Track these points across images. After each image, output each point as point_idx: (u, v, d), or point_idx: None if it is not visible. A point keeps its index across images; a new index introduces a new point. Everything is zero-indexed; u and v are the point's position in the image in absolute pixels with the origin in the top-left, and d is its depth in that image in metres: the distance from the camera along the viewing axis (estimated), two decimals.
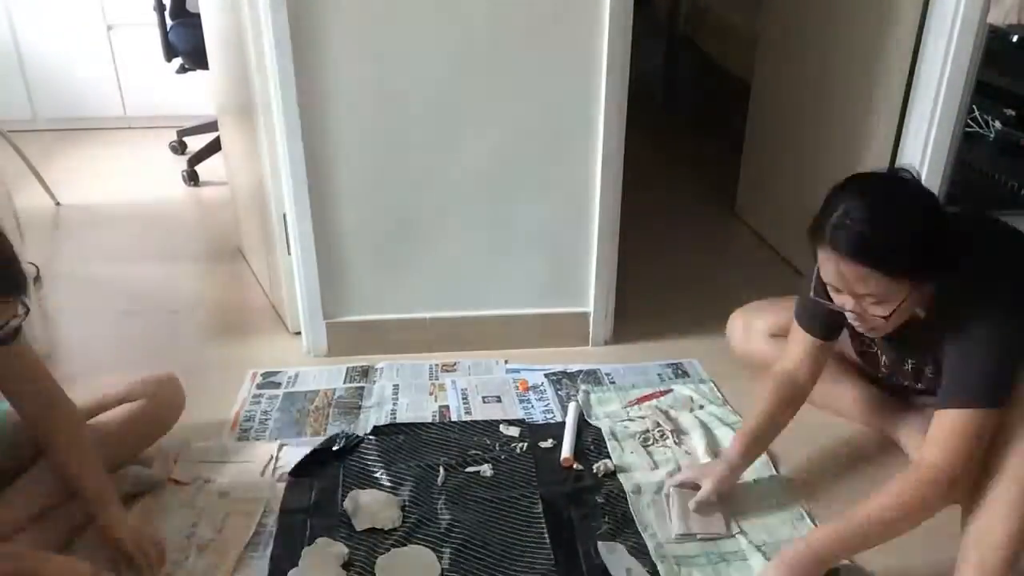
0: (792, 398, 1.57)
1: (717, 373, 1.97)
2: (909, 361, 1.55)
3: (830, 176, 2.33)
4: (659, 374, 1.97)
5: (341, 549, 1.39)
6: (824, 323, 1.53)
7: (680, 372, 1.98)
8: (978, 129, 2.05)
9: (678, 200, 3.09)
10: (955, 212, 1.37)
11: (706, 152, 3.57)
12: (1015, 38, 1.97)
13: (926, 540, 1.40)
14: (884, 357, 1.60)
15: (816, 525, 1.49)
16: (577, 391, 1.88)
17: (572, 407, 1.79)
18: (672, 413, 1.79)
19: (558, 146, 1.89)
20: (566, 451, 1.65)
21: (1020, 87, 1.99)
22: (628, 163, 1.94)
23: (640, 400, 1.84)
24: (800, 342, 1.58)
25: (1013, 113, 2.01)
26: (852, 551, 1.34)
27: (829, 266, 1.31)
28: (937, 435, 1.29)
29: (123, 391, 1.55)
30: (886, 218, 1.26)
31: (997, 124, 2.03)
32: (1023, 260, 1.36)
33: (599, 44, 1.78)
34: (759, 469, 1.61)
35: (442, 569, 1.36)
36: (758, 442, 1.56)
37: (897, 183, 1.33)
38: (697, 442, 1.69)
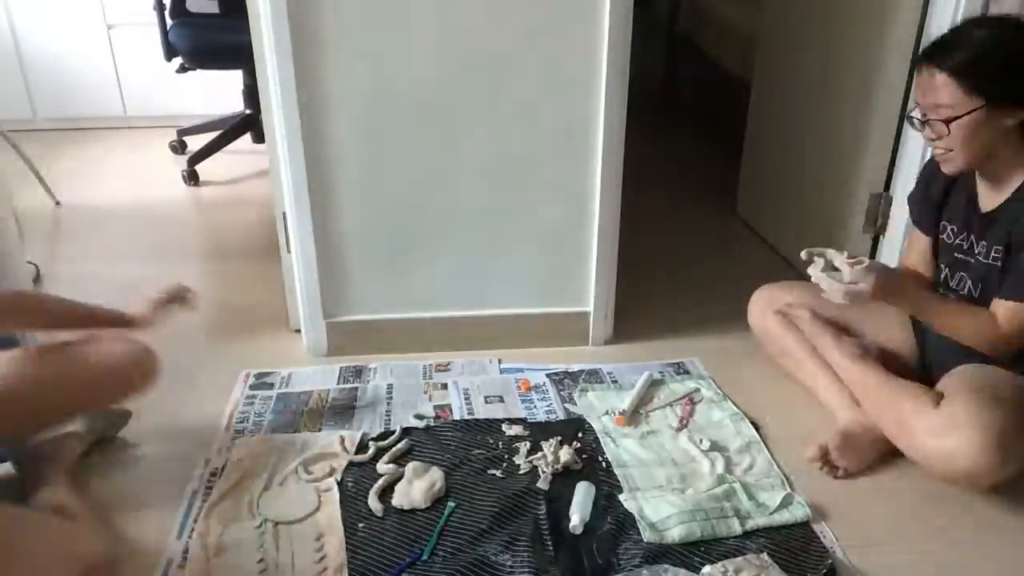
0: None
1: (718, 371, 1.97)
2: (981, 246, 1.59)
3: (830, 176, 2.36)
4: (660, 372, 1.97)
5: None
6: (931, 219, 1.71)
7: (681, 371, 1.98)
8: None
9: (678, 200, 3.09)
10: None
11: (706, 152, 3.57)
12: None
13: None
14: (956, 248, 1.66)
15: (805, 504, 1.51)
16: (579, 391, 1.88)
17: (645, 375, 1.90)
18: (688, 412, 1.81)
19: (558, 146, 1.89)
20: (626, 407, 1.79)
21: None
22: (628, 163, 1.94)
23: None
24: (917, 242, 1.78)
25: None
26: (914, 311, 1.65)
27: (918, 85, 1.49)
28: (1002, 313, 1.51)
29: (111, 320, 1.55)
30: (979, 32, 1.46)
31: None
32: None
33: (599, 44, 1.78)
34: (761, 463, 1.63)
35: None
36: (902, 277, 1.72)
37: None
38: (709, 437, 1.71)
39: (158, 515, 1.49)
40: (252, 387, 1.89)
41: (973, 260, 1.60)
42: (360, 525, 1.46)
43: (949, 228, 1.66)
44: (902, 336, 1.80)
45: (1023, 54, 1.43)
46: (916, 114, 1.53)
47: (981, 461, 1.42)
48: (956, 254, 1.64)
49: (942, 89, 1.44)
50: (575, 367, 1.98)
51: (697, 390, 1.88)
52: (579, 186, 1.93)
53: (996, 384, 1.52)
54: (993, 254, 1.55)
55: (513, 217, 1.95)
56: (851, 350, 1.76)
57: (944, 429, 1.46)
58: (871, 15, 2.10)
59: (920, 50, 1.53)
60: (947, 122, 1.45)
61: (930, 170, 1.69)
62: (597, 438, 1.70)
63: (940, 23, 1.88)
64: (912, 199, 1.78)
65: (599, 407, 1.82)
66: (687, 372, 1.98)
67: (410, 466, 1.58)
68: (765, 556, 1.35)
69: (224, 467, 1.61)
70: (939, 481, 1.50)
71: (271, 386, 1.90)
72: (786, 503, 1.52)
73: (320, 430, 1.74)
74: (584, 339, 2.09)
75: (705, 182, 3.22)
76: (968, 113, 1.43)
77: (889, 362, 1.75)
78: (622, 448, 1.68)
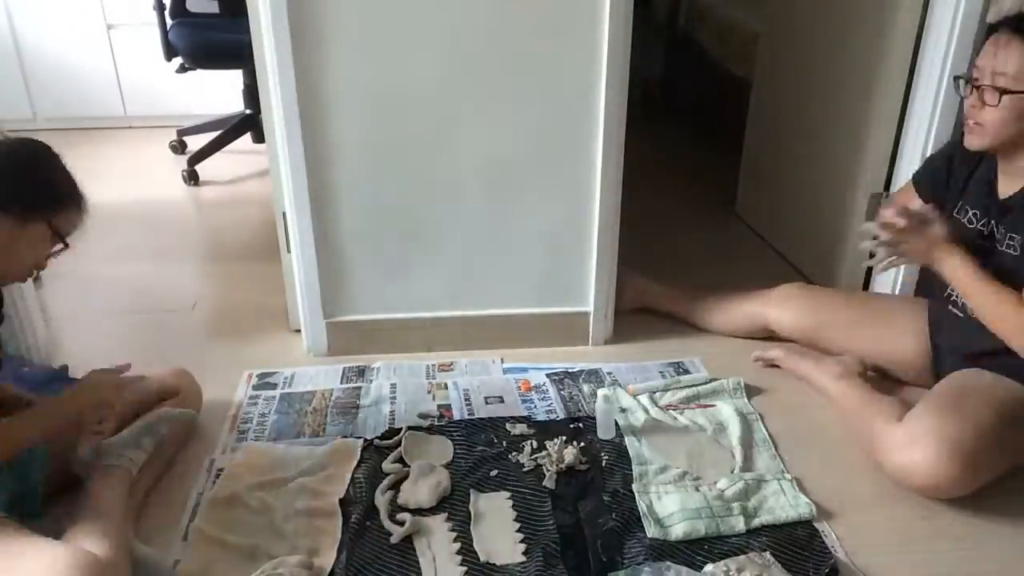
0: None
1: (719, 372, 1.97)
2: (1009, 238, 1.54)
3: (830, 176, 2.36)
4: (661, 372, 1.97)
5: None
6: (938, 185, 1.70)
7: (682, 371, 1.98)
8: None
9: (678, 200, 3.09)
10: None
11: (706, 152, 3.57)
12: None
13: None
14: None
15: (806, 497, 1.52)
16: (580, 391, 1.88)
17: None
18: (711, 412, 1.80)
19: (558, 146, 1.89)
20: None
21: None
22: (628, 163, 1.94)
23: (680, 405, 1.83)
24: (905, 201, 1.71)
25: None
26: (964, 293, 1.54)
27: (991, 48, 1.47)
28: None
29: (155, 389, 1.63)
30: None
31: None
32: None
33: (599, 44, 1.78)
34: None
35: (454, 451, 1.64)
36: None
37: None
38: (733, 434, 1.72)
39: (166, 513, 1.49)
40: (255, 387, 1.89)
41: (996, 250, 1.56)
42: (366, 523, 1.46)
43: (970, 213, 1.62)
44: (916, 347, 1.78)
45: None
46: (965, 77, 1.52)
47: (941, 474, 1.43)
48: (977, 240, 1.59)
49: (1015, 57, 1.42)
50: (576, 367, 1.98)
51: (718, 387, 1.89)
52: (579, 186, 1.93)
53: (972, 393, 1.51)
54: (1010, 242, 1.52)
55: (513, 217, 1.95)
56: (832, 370, 1.79)
57: (905, 443, 1.48)
58: (871, 15, 2.10)
59: (996, 21, 1.59)
60: (1002, 92, 1.43)
61: (955, 148, 1.68)
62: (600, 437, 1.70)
63: (940, 24, 1.89)
64: (930, 162, 1.78)
65: (621, 403, 1.81)
66: (687, 372, 1.97)
67: (415, 465, 1.58)
68: (768, 555, 1.36)
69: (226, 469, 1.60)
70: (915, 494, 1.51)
71: (274, 386, 1.90)
72: (792, 501, 1.52)
73: (324, 430, 1.74)
74: (584, 339, 2.09)
75: (705, 182, 3.22)
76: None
77: (894, 373, 1.76)
78: (643, 444, 1.67)
